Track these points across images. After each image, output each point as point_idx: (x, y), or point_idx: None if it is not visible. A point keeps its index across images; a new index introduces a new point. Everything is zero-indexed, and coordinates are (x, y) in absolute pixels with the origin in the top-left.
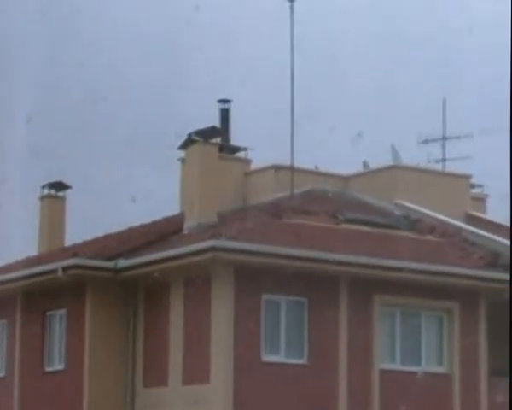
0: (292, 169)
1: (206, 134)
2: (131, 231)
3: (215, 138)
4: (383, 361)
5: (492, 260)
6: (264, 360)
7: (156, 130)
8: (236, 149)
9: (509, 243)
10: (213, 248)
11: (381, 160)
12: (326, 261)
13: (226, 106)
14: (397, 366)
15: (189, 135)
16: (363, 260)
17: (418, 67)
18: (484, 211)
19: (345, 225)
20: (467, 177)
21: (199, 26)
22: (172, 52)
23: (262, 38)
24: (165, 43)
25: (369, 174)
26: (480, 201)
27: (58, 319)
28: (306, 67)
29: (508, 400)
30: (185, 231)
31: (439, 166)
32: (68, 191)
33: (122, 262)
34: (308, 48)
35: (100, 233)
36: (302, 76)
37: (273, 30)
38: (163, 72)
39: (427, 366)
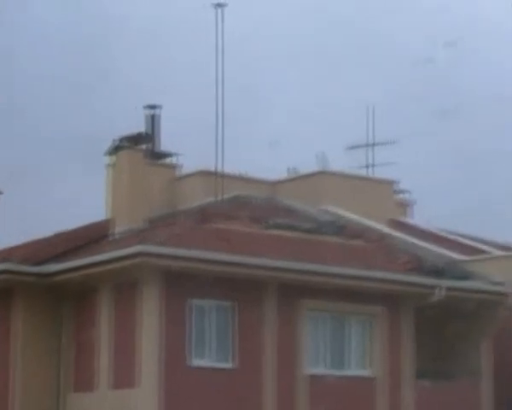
0: (219, 175)
1: (134, 140)
2: (60, 236)
3: (143, 144)
4: (310, 365)
5: (417, 264)
6: (192, 364)
7: (84, 136)
8: (164, 155)
9: (433, 247)
10: (141, 254)
11: (308, 166)
12: (253, 266)
13: (154, 112)
14: (324, 370)
15: (117, 141)
16: (291, 264)
17: (346, 74)
18: (409, 216)
19: (272, 231)
20: (392, 183)
21: (125, 33)
22: (100, 58)
23: (188, 44)
24: (92, 49)
25: (296, 180)
26: (406, 206)
27: None
28: (233, 72)
29: (432, 403)
30: (114, 236)
31: (365, 172)
32: None
33: (51, 267)
34: (235, 53)
35: (29, 238)
36: (229, 81)
37: (199, 36)
38: (92, 78)
39: (354, 369)
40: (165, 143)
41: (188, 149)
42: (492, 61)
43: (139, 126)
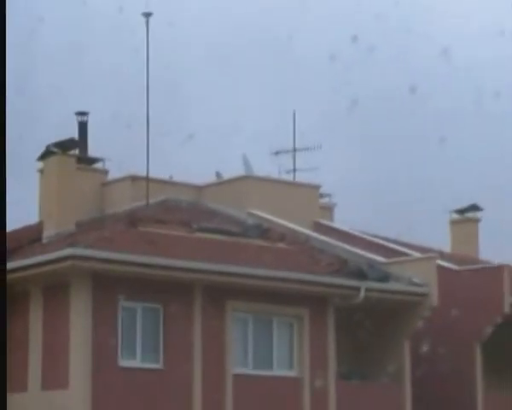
0: (147, 179)
1: (64, 146)
2: None
3: (73, 150)
4: (236, 366)
5: (340, 266)
6: (121, 365)
7: (16, 141)
8: (94, 161)
9: (355, 250)
10: (71, 257)
11: (233, 170)
12: (180, 269)
13: (84, 118)
14: (249, 371)
15: (48, 146)
16: (216, 267)
17: (257, 80)
18: (332, 219)
19: (198, 234)
20: (316, 187)
21: (48, 38)
22: (32, 63)
23: (115, 50)
24: (22, 55)
25: (222, 184)
26: (328, 210)
27: None
28: (158, 78)
29: (356, 403)
30: (44, 240)
31: (289, 177)
32: None
33: None
34: (160, 58)
35: None
36: (155, 87)
37: (126, 42)
38: (19, 83)
39: (279, 369)
40: (92, 148)
41: (115, 154)
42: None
43: (71, 132)
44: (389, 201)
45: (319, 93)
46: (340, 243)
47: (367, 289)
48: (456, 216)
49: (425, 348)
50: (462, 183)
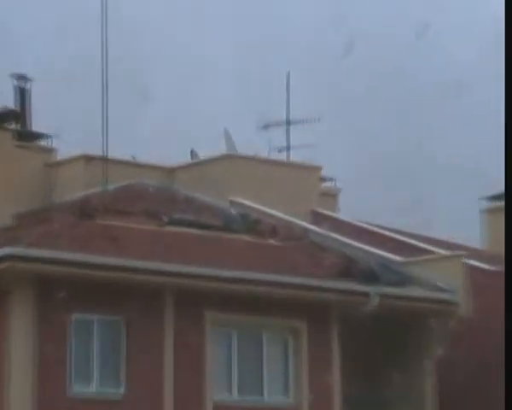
0: (105, 160)
1: None
2: None
3: (11, 123)
4: (217, 392)
5: (346, 267)
6: (74, 392)
7: None
8: (38, 136)
9: (365, 247)
10: (10, 257)
11: (213, 149)
12: (147, 272)
13: (24, 85)
14: (234, 398)
15: None
16: (192, 269)
17: (255, 46)
18: (335, 208)
19: (170, 228)
20: (315, 169)
21: None
22: None
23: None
24: None
25: (198, 166)
26: (332, 197)
27: None
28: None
29: None
30: None
31: (282, 156)
32: None
33: None
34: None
35: None
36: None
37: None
38: None
39: (271, 396)
40: (37, 122)
41: (69, 129)
42: None
43: (5, 101)
44: (398, 177)
45: (308, 36)
46: (345, 239)
47: (380, 296)
48: (487, 204)
49: (452, 367)
50: (483, 143)
